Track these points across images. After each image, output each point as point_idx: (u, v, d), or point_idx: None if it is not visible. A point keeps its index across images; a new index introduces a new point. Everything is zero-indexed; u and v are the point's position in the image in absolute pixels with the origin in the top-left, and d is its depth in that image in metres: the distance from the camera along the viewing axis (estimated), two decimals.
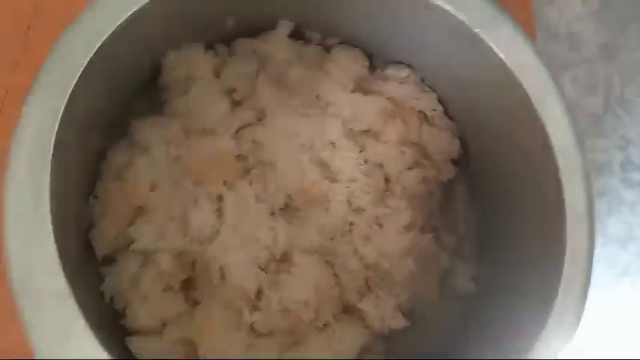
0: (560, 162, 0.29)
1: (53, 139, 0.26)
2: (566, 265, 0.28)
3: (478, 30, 0.30)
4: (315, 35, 0.39)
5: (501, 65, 0.30)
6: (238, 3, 0.36)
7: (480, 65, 0.32)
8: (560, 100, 0.30)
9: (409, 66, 0.39)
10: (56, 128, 0.27)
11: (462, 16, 0.31)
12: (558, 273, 0.28)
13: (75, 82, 0.27)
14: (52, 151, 0.26)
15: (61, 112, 0.27)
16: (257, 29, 0.38)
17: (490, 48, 0.31)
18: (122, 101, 0.36)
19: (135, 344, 0.32)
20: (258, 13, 0.37)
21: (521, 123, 0.32)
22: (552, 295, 0.28)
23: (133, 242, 0.33)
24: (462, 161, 0.40)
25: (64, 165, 0.28)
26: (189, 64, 0.36)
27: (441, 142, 0.38)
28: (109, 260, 0.34)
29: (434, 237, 0.38)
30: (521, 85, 0.30)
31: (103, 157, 0.35)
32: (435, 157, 0.39)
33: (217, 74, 0.37)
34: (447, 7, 0.31)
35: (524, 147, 0.33)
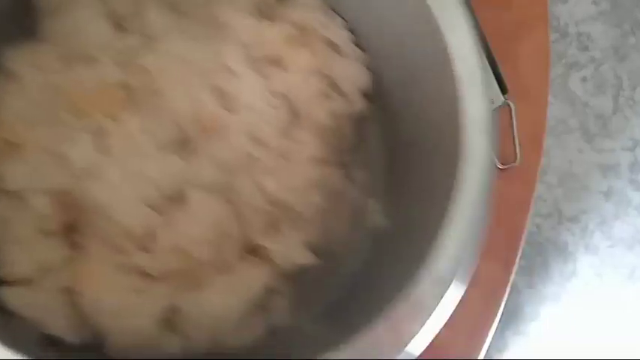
0: (459, 69, 0.28)
1: None
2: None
3: None
4: None
5: None
6: None
7: None
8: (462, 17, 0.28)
9: None
10: None
11: None
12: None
13: None
14: None
15: None
16: None
17: None
18: None
19: (11, 295, 0.29)
20: None
21: (424, 40, 0.30)
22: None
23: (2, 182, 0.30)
24: (374, 98, 0.37)
25: None
26: None
27: (351, 72, 0.36)
28: None
29: (344, 173, 0.35)
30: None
31: None
32: (344, 88, 0.36)
33: None
34: None
35: (431, 74, 0.31)
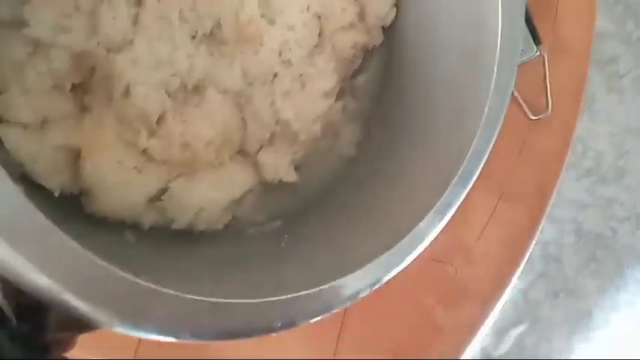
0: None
1: None
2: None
3: None
4: None
5: None
6: None
7: None
8: None
9: None
10: None
11: None
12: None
13: None
14: None
15: None
16: None
17: None
18: None
19: (9, 135, 0.28)
20: None
21: None
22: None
23: (23, 22, 0.27)
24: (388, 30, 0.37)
25: None
26: None
27: (382, 6, 0.36)
28: None
29: (342, 104, 0.36)
30: None
31: None
32: (369, 20, 0.36)
33: None
34: None
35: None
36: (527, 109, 0.41)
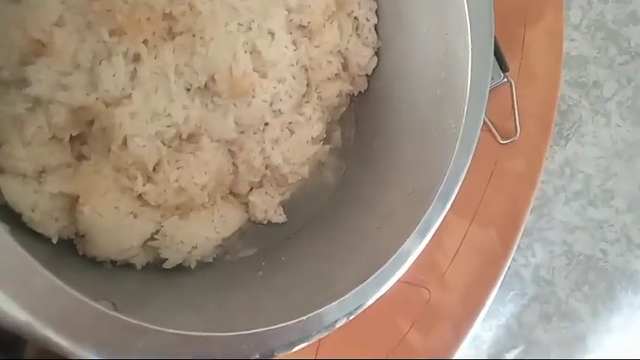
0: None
1: None
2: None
3: None
4: None
5: None
6: None
7: None
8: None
9: None
10: None
11: None
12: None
13: None
14: None
15: None
16: None
17: None
18: None
19: (7, 185, 0.29)
20: None
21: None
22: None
23: (24, 80, 0.28)
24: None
25: None
26: None
27: (363, 57, 0.37)
28: None
29: (329, 147, 0.38)
30: None
31: None
32: (353, 70, 0.38)
33: None
34: None
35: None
36: (497, 134, 0.42)
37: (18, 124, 0.29)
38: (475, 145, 0.30)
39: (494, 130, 0.41)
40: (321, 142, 0.37)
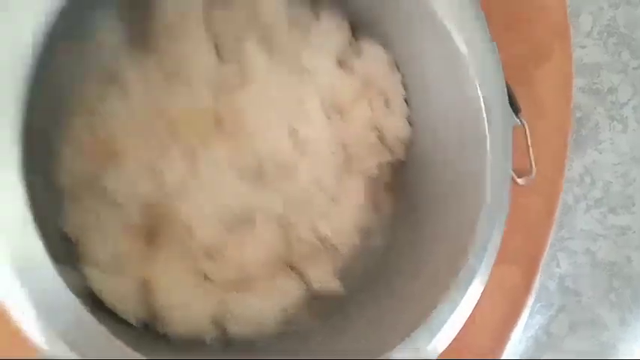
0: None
1: None
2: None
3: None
4: None
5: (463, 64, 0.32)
6: None
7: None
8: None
9: (384, 43, 0.39)
10: None
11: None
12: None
13: None
14: None
15: None
16: None
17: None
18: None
19: (92, 275, 0.32)
20: None
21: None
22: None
23: (99, 182, 0.33)
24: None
25: None
26: (181, 10, 0.35)
27: (397, 128, 0.40)
28: (72, 196, 0.33)
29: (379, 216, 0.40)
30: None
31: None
32: (390, 141, 0.40)
33: (208, 25, 0.36)
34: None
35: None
36: (514, 175, 0.43)
37: (97, 222, 0.33)
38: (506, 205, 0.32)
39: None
40: (367, 210, 0.39)
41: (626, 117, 1.11)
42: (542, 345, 1.00)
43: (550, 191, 0.43)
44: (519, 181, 0.43)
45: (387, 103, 0.40)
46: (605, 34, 1.13)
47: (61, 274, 0.26)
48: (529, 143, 0.43)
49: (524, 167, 0.43)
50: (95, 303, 0.32)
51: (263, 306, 0.36)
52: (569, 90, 0.46)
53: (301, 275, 0.38)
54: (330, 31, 0.38)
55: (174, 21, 0.35)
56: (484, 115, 0.33)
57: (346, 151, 0.39)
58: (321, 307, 0.38)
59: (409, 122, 0.40)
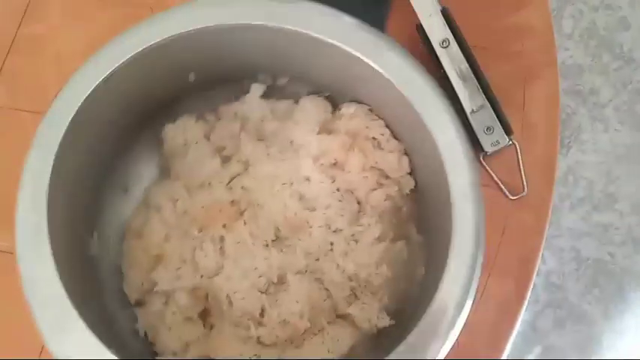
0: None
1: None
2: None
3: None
4: (284, 80, 0.45)
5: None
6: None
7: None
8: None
9: (359, 102, 0.44)
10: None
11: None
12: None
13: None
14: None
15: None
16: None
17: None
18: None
19: None
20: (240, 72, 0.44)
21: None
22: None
23: (155, 285, 0.40)
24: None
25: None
26: (185, 133, 0.43)
27: (393, 162, 0.43)
28: (140, 303, 0.41)
29: (406, 243, 0.42)
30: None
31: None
32: (392, 175, 0.43)
33: (208, 137, 0.44)
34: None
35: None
36: (506, 191, 0.46)
37: (161, 316, 0.40)
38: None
39: (503, 187, 0.46)
40: (388, 240, 0.42)
41: (608, 117, 1.14)
42: (528, 340, 1.02)
43: (540, 207, 0.46)
44: (512, 197, 0.46)
45: (378, 144, 0.44)
46: (586, 36, 1.16)
47: None
48: (520, 163, 0.46)
49: (517, 185, 0.46)
50: None
51: (317, 357, 0.39)
52: (556, 110, 0.49)
53: (348, 319, 0.40)
54: (309, 110, 0.44)
55: (180, 144, 0.44)
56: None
57: (355, 196, 0.43)
58: (378, 347, 0.40)
59: (407, 153, 0.43)
